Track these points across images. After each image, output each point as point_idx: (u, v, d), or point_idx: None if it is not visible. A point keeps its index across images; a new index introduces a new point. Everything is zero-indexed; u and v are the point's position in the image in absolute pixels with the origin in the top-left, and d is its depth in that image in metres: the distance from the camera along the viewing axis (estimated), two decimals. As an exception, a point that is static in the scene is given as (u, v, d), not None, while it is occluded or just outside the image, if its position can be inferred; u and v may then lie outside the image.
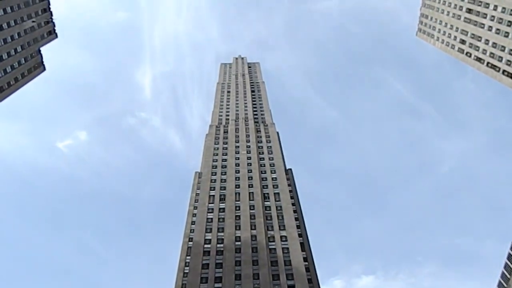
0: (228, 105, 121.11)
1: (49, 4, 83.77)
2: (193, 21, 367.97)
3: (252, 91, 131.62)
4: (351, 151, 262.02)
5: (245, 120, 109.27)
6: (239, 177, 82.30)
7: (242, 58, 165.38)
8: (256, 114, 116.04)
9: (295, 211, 73.38)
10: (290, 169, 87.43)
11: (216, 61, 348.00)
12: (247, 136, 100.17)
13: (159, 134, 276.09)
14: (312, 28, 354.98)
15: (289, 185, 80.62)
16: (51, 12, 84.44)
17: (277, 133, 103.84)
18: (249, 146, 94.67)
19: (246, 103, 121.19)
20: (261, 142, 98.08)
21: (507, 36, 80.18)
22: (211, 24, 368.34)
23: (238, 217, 70.18)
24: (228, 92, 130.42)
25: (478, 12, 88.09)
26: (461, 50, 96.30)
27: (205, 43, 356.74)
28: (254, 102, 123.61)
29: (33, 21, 77.39)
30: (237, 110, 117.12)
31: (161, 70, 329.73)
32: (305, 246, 65.47)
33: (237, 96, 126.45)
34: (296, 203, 76.62)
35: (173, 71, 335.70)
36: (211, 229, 67.51)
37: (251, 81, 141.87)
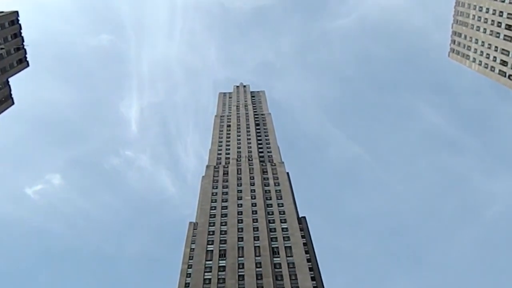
0: (228, 141, 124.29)
1: (20, 28, 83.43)
2: (187, 44, 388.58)
3: (257, 125, 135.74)
4: (378, 194, 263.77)
5: (249, 159, 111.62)
6: (242, 228, 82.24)
7: (245, 86, 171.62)
8: (261, 152, 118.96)
9: (311, 269, 72.98)
10: (304, 217, 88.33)
11: (214, 90, 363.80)
12: (252, 178, 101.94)
13: (147, 177, 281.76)
14: (327, 50, 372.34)
15: (303, 236, 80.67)
16: (22, 38, 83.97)
17: (287, 174, 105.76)
18: (254, 190, 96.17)
19: (249, 139, 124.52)
20: (268, 185, 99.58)
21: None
22: (208, 47, 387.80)
23: (241, 277, 69.25)
24: (228, 126, 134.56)
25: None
26: (502, 73, 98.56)
27: (201, 69, 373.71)
28: (259, 138, 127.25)
29: (1, 48, 77.90)
30: (239, 148, 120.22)
31: (150, 101, 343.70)
32: (324, 312, 65.59)
33: (239, 131, 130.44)
34: (312, 258, 76.35)
35: (164, 102, 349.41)
36: (209, 292, 67.09)
37: (255, 113, 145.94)
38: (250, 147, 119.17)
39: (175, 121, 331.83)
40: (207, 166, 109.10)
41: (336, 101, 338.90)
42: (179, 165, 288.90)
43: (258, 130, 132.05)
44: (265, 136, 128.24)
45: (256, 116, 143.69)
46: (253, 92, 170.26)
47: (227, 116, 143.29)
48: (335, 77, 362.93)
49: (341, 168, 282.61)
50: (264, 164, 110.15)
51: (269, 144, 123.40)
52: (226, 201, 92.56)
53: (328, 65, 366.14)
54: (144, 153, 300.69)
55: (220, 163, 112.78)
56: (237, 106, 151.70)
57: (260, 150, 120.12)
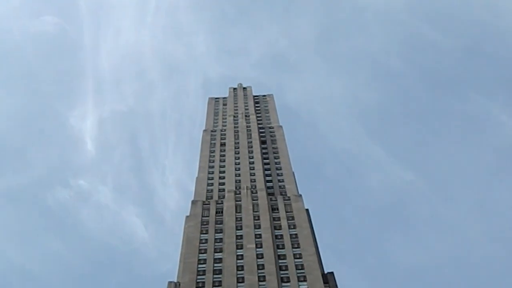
0: (223, 166, 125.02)
1: None
2: (165, 29, 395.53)
3: (263, 143, 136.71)
4: (439, 237, 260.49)
5: (252, 191, 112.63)
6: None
7: (245, 88, 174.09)
8: (270, 181, 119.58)
9: None
10: (332, 274, 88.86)
11: (203, 93, 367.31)
12: (256, 218, 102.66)
13: (109, 217, 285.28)
14: (362, 36, 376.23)
15: (330, 302, 79.81)
16: None
17: (307, 211, 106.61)
18: (260, 236, 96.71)
19: (252, 163, 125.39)
20: (279, 227, 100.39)
21: None
22: (195, 33, 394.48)
23: None
24: (223, 145, 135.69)
25: None
26: None
27: (185, 64, 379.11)
28: (266, 161, 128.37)
29: None
30: (238, 175, 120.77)
31: (113, 110, 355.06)
32: None
33: (238, 152, 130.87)
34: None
35: (133, 111, 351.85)
36: None
37: (261, 126, 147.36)
38: (254, 174, 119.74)
39: (148, 137, 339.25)
40: (194, 202, 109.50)
41: (376, 106, 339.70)
42: (154, 200, 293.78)
43: (264, 150, 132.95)
44: (275, 158, 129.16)
45: (261, 130, 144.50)
46: (257, 96, 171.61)
47: (221, 130, 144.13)
48: (374, 73, 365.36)
49: (384, 202, 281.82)
50: (273, 198, 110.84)
51: (280, 169, 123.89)
52: (220, 252, 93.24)
53: (364, 57, 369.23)
54: (104, 183, 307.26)
55: (211, 197, 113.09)
56: (234, 116, 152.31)
57: (268, 178, 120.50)
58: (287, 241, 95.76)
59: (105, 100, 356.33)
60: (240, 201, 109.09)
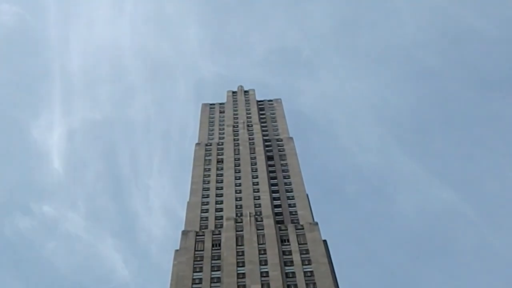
0: (220, 188, 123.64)
1: None
2: (148, 21, 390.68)
3: (270, 159, 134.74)
4: (489, 272, 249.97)
5: (256, 219, 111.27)
6: None
7: (247, 92, 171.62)
8: (278, 206, 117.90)
9: None
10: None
11: (196, 98, 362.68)
12: (262, 252, 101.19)
13: (81, 250, 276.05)
14: (391, 26, 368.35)
15: None
16: None
17: (324, 242, 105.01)
18: (267, 274, 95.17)
19: (256, 184, 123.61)
20: (291, 263, 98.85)
21: None
22: (185, 25, 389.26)
23: None
24: (220, 161, 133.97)
25: None
26: None
27: (173, 63, 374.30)
28: (273, 181, 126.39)
29: None
30: (238, 199, 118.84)
31: (85, 119, 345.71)
32: None
33: (238, 169, 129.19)
34: None
35: (110, 120, 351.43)
36: None
37: (267, 138, 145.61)
38: (259, 198, 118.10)
39: (129, 152, 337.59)
40: (184, 233, 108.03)
41: (409, 111, 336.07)
42: (137, 230, 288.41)
43: (271, 168, 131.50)
44: (284, 177, 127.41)
45: (267, 142, 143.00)
46: (261, 101, 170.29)
47: (218, 144, 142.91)
48: (406, 72, 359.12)
49: (420, 229, 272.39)
50: (283, 227, 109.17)
51: (291, 191, 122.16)
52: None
53: (394, 51, 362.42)
54: (74, 209, 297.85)
55: (206, 227, 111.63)
56: (234, 126, 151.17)
57: (276, 202, 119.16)
58: (300, 280, 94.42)
59: (75, 107, 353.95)
60: (242, 231, 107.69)
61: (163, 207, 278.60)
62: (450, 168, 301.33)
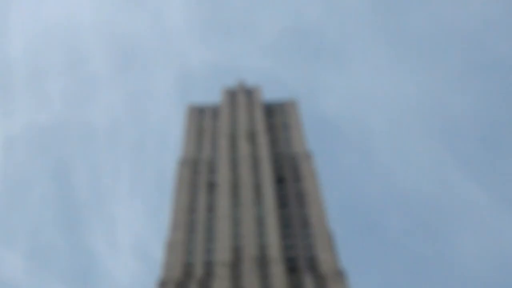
0: (210, 222, 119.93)
1: None
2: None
3: (280, 180, 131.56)
4: None
5: (261, 263, 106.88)
6: None
7: (250, 90, 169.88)
8: (290, 246, 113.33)
9: None
10: None
11: (180, 96, 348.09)
12: None
13: None
14: (449, 3, 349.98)
15: None
16: None
17: None
18: None
19: (261, 217, 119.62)
20: None
21: None
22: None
23: None
24: (211, 185, 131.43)
25: None
26: None
27: (150, 47, 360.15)
28: (285, 212, 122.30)
29: None
30: (236, 237, 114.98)
31: (29, 123, 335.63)
32: None
33: (237, 196, 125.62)
34: None
35: (62, 125, 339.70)
36: None
37: (277, 152, 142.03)
38: (264, 235, 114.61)
39: (88, 169, 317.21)
40: (162, 284, 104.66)
41: (475, 118, 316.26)
42: (96, 277, 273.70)
43: (282, 194, 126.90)
44: (299, 206, 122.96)
45: (277, 160, 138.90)
46: (270, 104, 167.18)
47: (209, 161, 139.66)
48: (470, 63, 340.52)
49: (491, 282, 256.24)
50: (297, 277, 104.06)
51: (308, 227, 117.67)
52: None
53: (454, 37, 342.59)
54: (12, 248, 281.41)
55: (191, 275, 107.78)
56: (231, 137, 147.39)
57: (288, 241, 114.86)
58: None
59: (16, 107, 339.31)
60: (240, 280, 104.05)
61: (134, 246, 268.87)
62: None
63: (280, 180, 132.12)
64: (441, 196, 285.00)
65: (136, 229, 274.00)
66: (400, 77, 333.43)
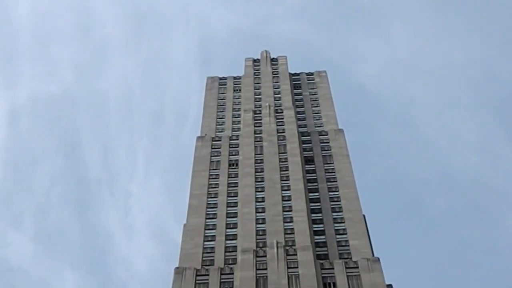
0: (233, 205, 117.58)
1: None
2: None
3: (309, 161, 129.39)
4: None
5: (287, 251, 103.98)
6: None
7: (275, 60, 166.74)
8: (321, 232, 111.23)
9: None
10: None
11: (201, 65, 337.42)
12: None
13: (26, 286, 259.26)
14: None
15: None
16: None
17: None
18: None
19: (288, 199, 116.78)
20: None
21: None
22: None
23: None
24: (233, 165, 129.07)
25: None
26: None
27: (168, 9, 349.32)
28: (314, 195, 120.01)
29: None
30: (260, 221, 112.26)
31: (35, 93, 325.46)
32: None
33: (260, 176, 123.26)
34: None
35: (72, 95, 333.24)
36: None
37: (304, 131, 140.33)
38: (291, 220, 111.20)
39: (99, 143, 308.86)
40: (179, 270, 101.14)
41: None
42: (109, 261, 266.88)
43: (311, 175, 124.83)
44: (330, 190, 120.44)
45: (306, 137, 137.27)
46: (297, 75, 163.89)
47: (230, 137, 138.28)
48: None
49: None
50: (328, 265, 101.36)
51: (339, 210, 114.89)
52: None
53: None
54: (16, 227, 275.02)
55: (211, 262, 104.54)
56: (255, 112, 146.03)
57: (318, 227, 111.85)
58: None
59: (21, 75, 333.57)
60: (265, 269, 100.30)
61: (151, 227, 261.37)
62: None
63: (308, 160, 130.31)
64: (491, 174, 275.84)
65: (153, 209, 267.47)
66: (448, 43, 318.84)
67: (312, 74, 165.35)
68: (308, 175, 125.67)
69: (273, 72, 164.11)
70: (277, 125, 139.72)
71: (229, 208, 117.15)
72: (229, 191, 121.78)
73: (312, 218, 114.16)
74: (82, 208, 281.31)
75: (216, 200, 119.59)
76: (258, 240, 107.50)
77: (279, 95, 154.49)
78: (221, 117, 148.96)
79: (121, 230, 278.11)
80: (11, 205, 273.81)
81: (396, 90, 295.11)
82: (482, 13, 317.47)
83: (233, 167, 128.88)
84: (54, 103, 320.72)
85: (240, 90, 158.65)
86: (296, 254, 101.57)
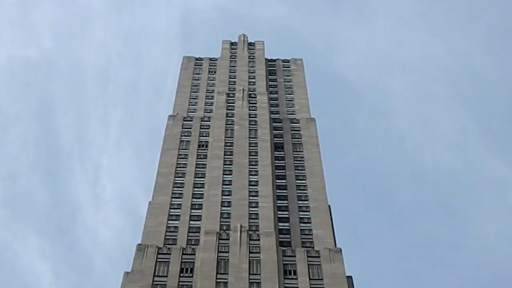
0: (199, 186, 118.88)
1: None
2: None
3: (278, 147, 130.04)
4: None
5: (250, 235, 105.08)
6: None
7: (252, 44, 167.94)
8: (285, 219, 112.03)
9: None
10: None
11: (181, 38, 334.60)
12: (255, 285, 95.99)
13: None
14: None
15: None
16: None
17: (349, 280, 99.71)
18: None
19: (255, 184, 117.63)
20: None
21: None
22: None
23: None
24: (203, 146, 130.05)
25: None
26: None
27: None
28: (281, 182, 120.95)
29: None
30: (226, 204, 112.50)
31: (13, 56, 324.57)
32: None
33: (229, 160, 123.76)
34: None
35: (49, 60, 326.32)
36: None
37: (276, 117, 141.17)
38: (256, 205, 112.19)
39: (73, 110, 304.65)
40: (140, 248, 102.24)
41: (509, 91, 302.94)
42: (75, 229, 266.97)
43: (279, 162, 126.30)
44: (298, 178, 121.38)
45: (277, 124, 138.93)
46: (273, 61, 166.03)
47: (201, 119, 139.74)
48: None
49: (506, 265, 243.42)
50: (290, 252, 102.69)
51: (305, 199, 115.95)
52: None
53: None
54: None
55: (174, 242, 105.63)
56: (228, 94, 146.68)
57: (283, 214, 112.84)
58: None
59: (0, 38, 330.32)
60: (227, 252, 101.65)
61: (119, 198, 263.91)
62: None
63: (278, 147, 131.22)
64: (462, 171, 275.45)
65: (122, 182, 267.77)
66: (426, 36, 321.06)
67: (288, 61, 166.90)
68: (276, 161, 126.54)
69: (249, 56, 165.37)
70: (250, 110, 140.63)
71: (195, 189, 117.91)
72: (196, 172, 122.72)
73: (278, 204, 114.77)
74: (52, 176, 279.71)
75: (183, 180, 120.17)
76: (222, 223, 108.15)
77: (253, 80, 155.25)
78: (194, 97, 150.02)
79: (88, 200, 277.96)
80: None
81: (374, 81, 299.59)
82: (465, 10, 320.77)
83: (202, 148, 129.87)
84: (31, 68, 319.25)
85: (215, 72, 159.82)
86: (259, 240, 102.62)
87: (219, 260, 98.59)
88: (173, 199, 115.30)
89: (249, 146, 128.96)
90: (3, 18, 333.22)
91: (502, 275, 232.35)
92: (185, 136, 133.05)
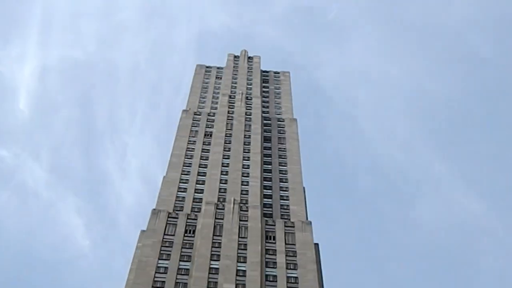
0: (204, 166, 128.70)
1: None
2: None
3: (267, 139, 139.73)
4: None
5: (241, 207, 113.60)
6: None
7: (251, 58, 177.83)
8: (269, 196, 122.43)
9: None
10: None
11: (196, 51, 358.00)
12: (242, 246, 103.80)
13: (36, 208, 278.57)
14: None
15: None
16: None
17: (316, 247, 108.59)
18: (244, 273, 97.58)
19: (247, 167, 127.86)
20: (274, 265, 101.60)
21: None
22: None
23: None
24: (208, 135, 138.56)
25: None
26: None
27: (176, 1, 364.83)
28: (267, 166, 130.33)
29: None
30: (223, 181, 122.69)
31: (64, 56, 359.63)
32: None
33: (228, 147, 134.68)
34: None
35: (92, 61, 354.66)
36: None
37: (266, 116, 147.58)
38: (247, 184, 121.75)
39: (109, 100, 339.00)
40: (155, 212, 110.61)
41: (447, 103, 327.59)
42: (106, 192, 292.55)
43: (267, 151, 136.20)
44: (280, 164, 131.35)
45: (267, 121, 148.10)
46: (267, 72, 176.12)
47: (208, 114, 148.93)
48: (453, 57, 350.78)
49: (439, 241, 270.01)
50: (271, 222, 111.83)
51: (286, 181, 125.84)
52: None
53: (442, 30, 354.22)
54: (36, 159, 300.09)
55: (181, 209, 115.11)
56: (230, 96, 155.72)
57: (267, 191, 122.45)
58: (282, 285, 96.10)
59: (54, 39, 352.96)
60: (222, 219, 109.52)
61: (141, 171, 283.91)
62: (484, 175, 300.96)
63: (266, 139, 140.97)
64: (411, 166, 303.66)
65: (144, 157, 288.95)
66: (389, 59, 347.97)
67: (278, 73, 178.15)
68: (265, 150, 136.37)
69: (248, 67, 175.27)
70: (246, 109, 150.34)
71: (200, 168, 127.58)
72: (202, 155, 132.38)
73: (264, 184, 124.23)
74: (88, 150, 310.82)
75: (191, 161, 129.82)
76: (219, 196, 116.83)
77: (250, 86, 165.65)
78: (203, 97, 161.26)
79: (116, 171, 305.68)
80: (34, 140, 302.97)
81: (345, 91, 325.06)
82: (416, 40, 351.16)
83: (207, 137, 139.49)
84: (77, 66, 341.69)
85: (221, 78, 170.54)
86: (247, 211, 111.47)
87: (215, 225, 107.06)
88: (182, 175, 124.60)
89: (244, 137, 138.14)
90: (58, 26, 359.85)
91: (435, 245, 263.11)
92: (194, 127, 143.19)
